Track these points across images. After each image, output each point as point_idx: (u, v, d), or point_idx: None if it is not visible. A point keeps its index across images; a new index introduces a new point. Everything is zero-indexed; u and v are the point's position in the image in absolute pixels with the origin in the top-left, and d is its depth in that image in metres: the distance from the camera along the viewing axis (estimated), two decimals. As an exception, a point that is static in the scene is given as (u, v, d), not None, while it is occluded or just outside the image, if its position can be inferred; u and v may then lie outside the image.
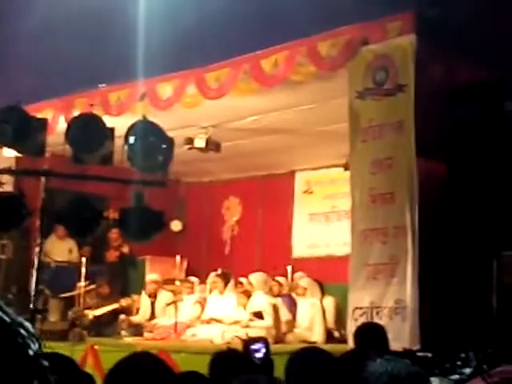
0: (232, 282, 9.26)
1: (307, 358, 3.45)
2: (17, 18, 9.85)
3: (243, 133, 9.34)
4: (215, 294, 9.25)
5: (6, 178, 7.73)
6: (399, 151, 6.34)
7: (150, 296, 9.95)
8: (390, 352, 4.13)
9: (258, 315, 8.61)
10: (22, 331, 0.97)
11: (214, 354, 4.15)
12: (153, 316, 9.77)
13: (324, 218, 10.55)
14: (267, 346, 4.15)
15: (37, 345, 0.99)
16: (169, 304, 9.69)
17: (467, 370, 2.68)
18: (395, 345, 4.96)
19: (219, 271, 9.64)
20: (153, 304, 9.88)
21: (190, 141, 9.20)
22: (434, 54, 6.53)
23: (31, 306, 5.29)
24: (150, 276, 10.17)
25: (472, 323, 5.75)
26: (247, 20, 7.52)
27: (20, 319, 1.00)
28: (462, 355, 2.49)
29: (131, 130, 5.50)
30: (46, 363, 1.01)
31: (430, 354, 3.04)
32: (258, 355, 4.02)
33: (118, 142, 5.88)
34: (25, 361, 0.95)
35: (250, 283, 8.80)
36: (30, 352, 0.97)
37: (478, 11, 6.48)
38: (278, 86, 7.48)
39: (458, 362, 2.66)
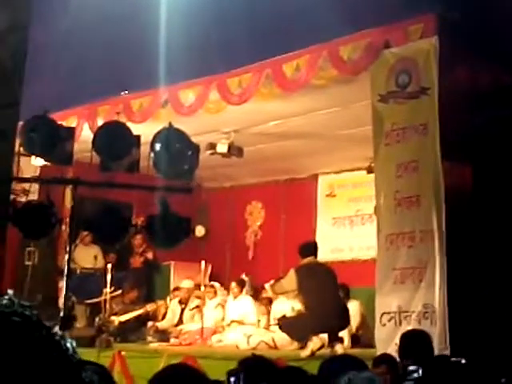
0: (247, 287, 9.42)
1: (339, 365, 3.44)
2: (38, 27, 9.93)
3: (265, 137, 9.35)
4: (231, 298, 9.52)
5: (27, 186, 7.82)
6: (424, 154, 6.29)
7: (180, 302, 9.99)
8: (433, 358, 4.10)
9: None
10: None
11: (239, 360, 4.14)
12: (180, 322, 9.81)
13: (348, 222, 10.51)
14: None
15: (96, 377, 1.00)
16: (192, 309, 9.75)
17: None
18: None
19: (243, 277, 9.74)
20: (183, 310, 9.93)
21: (212, 146, 9.22)
22: (457, 57, 6.48)
23: (61, 313, 5.34)
24: (185, 283, 10.17)
25: (501, 327, 5.70)
26: (268, 25, 7.52)
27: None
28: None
29: (157, 137, 5.53)
30: None
31: (463, 360, 3.01)
32: None
33: (143, 148, 5.92)
34: None
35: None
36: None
37: (500, 13, 6.43)
38: (299, 90, 7.46)
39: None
